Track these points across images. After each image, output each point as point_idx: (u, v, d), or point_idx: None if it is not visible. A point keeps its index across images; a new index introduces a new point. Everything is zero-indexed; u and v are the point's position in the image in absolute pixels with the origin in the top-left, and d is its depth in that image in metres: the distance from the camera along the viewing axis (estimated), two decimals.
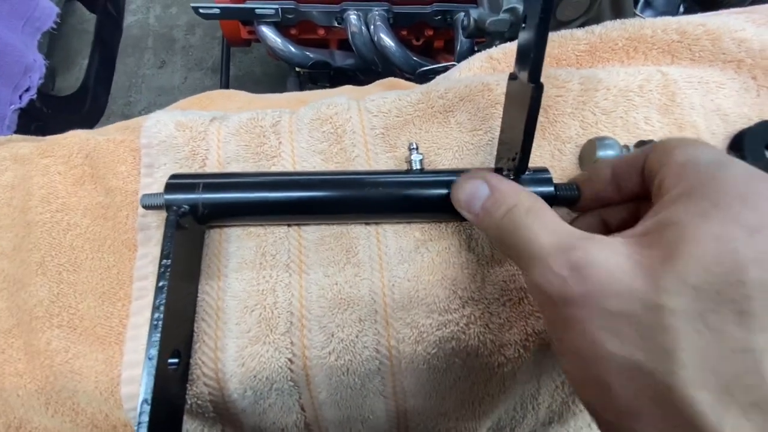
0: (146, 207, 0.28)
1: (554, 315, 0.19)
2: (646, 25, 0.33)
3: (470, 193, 0.25)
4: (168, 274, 0.24)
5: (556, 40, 0.35)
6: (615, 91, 0.31)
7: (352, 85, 0.47)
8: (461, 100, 0.31)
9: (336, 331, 0.26)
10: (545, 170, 0.27)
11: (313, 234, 0.29)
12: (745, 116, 0.31)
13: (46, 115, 0.95)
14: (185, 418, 0.26)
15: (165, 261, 0.24)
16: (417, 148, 0.29)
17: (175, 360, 0.25)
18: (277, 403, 0.27)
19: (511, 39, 0.54)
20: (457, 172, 0.28)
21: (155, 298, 0.24)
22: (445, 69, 0.41)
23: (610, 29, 0.34)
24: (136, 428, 0.21)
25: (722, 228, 0.16)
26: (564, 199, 0.27)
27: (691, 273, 0.16)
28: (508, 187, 0.23)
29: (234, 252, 0.29)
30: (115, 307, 0.28)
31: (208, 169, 0.30)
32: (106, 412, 0.28)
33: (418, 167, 0.28)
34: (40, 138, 0.35)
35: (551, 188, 0.27)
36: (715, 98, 0.31)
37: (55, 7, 0.88)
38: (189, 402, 0.26)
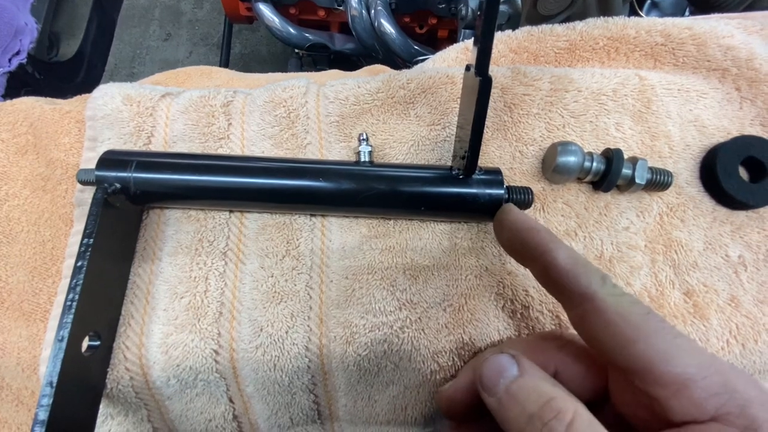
0: (82, 182, 0.27)
1: None
2: (629, 24, 0.31)
3: (493, 370, 0.20)
4: (89, 253, 0.23)
5: (535, 34, 0.33)
6: (587, 94, 0.29)
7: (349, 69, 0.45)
8: (423, 91, 0.30)
9: (265, 326, 0.25)
10: (497, 171, 0.26)
11: (255, 222, 0.28)
12: (724, 129, 0.29)
13: (38, 80, 0.93)
14: (106, 401, 0.26)
15: (86, 240, 0.23)
16: (367, 139, 0.27)
17: (96, 342, 0.24)
18: (205, 393, 0.26)
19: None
20: (408, 167, 0.27)
21: (72, 278, 0.23)
22: None
23: (592, 27, 0.32)
24: (36, 410, 0.20)
25: None
26: (516, 203, 0.26)
27: None
28: (541, 375, 0.19)
29: (171, 235, 0.28)
30: (45, 284, 0.27)
31: (153, 147, 0.29)
32: (31, 389, 0.27)
33: (367, 159, 0.27)
34: None
35: (501, 191, 0.25)
36: (694, 108, 0.30)
37: None
38: (109, 386, 0.25)
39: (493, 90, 0.29)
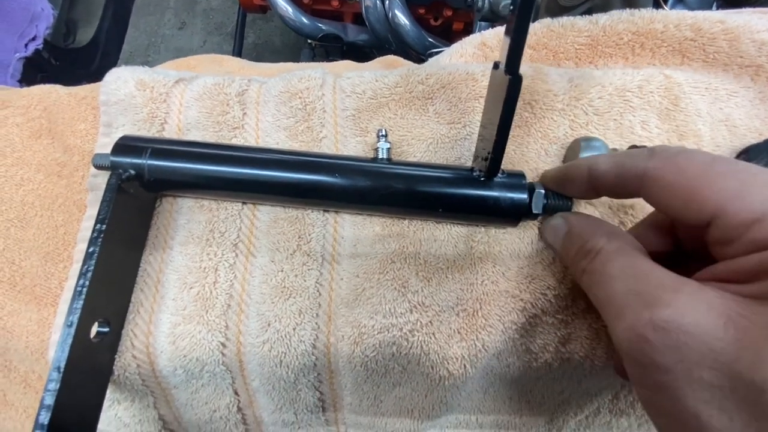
0: (97, 167, 0.26)
1: (642, 376, 0.16)
2: (657, 18, 0.30)
3: (552, 229, 0.24)
4: (101, 239, 0.23)
5: (555, 30, 0.32)
6: (611, 90, 0.28)
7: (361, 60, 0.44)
8: (442, 87, 0.29)
9: (273, 321, 0.25)
10: (521, 174, 0.25)
11: (267, 215, 0.27)
12: (756, 130, 0.28)
13: (54, 67, 0.94)
14: (113, 387, 0.26)
15: (99, 226, 0.23)
16: (386, 136, 0.26)
17: (105, 329, 0.24)
18: (210, 384, 0.26)
19: None
20: (427, 167, 0.26)
21: (83, 264, 0.22)
22: None
23: (616, 21, 0.30)
24: (43, 394, 0.20)
25: None
26: (553, 209, 0.25)
27: None
28: (585, 224, 0.22)
29: (183, 224, 0.27)
30: (57, 268, 0.27)
31: (167, 134, 0.29)
32: (39, 372, 0.27)
33: (385, 156, 0.26)
34: (4, 88, 0.33)
35: (524, 195, 0.24)
36: (724, 107, 0.28)
37: None
38: (116, 373, 0.25)
39: None
